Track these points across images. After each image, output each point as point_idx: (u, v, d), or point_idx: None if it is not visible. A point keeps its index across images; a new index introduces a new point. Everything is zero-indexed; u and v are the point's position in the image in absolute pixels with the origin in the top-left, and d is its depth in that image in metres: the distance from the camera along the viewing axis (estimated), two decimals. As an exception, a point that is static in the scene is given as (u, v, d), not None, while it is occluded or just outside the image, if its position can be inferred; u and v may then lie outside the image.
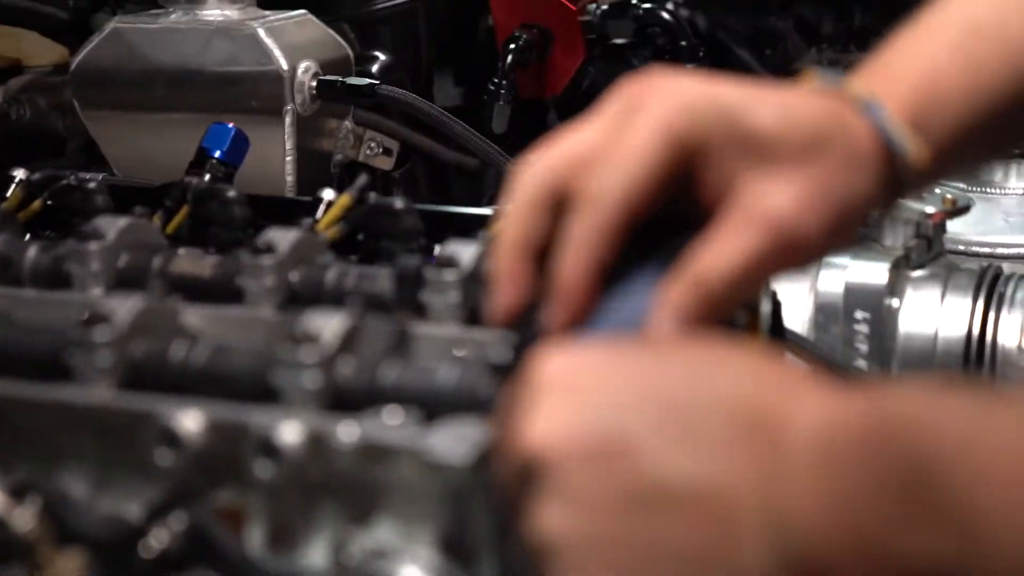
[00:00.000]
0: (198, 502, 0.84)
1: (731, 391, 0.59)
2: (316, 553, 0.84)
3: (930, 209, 1.38)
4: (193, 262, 1.21)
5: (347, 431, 0.79)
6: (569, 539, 0.61)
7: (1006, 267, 1.31)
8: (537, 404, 0.65)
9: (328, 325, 0.85)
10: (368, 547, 0.80)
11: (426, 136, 2.04)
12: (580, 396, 0.64)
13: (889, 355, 1.26)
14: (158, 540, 0.82)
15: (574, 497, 0.61)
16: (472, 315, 1.06)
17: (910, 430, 0.52)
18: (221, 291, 1.15)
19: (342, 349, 0.85)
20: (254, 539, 0.85)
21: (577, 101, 2.14)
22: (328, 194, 1.40)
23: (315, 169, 1.88)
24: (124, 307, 0.91)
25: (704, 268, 0.72)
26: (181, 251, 1.24)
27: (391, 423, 0.80)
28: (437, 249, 1.09)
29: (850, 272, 1.31)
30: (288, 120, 1.80)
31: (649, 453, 0.59)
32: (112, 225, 1.08)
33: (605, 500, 0.60)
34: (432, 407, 0.83)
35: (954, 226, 1.38)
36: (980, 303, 1.17)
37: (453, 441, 0.77)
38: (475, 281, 1.06)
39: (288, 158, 1.84)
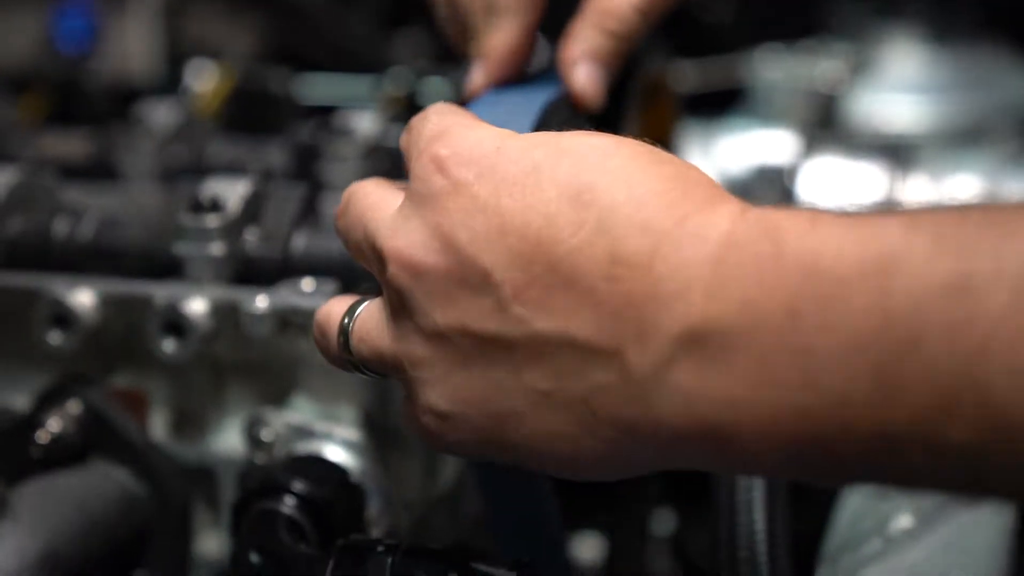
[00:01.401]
0: (94, 386, 0.77)
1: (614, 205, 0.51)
2: (227, 438, 0.78)
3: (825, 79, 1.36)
4: (61, 142, 1.13)
5: (260, 300, 0.73)
6: (422, 362, 0.55)
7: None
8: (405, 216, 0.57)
9: (232, 190, 0.78)
10: (286, 424, 0.75)
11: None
12: (448, 204, 0.54)
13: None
14: (51, 428, 0.75)
15: (431, 324, 0.54)
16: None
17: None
18: (96, 171, 1.07)
19: (247, 217, 0.79)
20: (157, 425, 0.79)
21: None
22: (198, 71, 1.33)
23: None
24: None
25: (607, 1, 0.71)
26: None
27: (306, 291, 0.74)
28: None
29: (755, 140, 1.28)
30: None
31: (501, 284, 0.53)
32: None
33: (462, 332, 0.54)
34: (346, 276, 0.78)
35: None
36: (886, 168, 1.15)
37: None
38: (374, 152, 1.00)
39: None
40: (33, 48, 1.53)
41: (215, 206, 0.77)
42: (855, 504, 0.82)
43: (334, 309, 0.62)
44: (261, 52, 1.72)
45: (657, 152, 0.53)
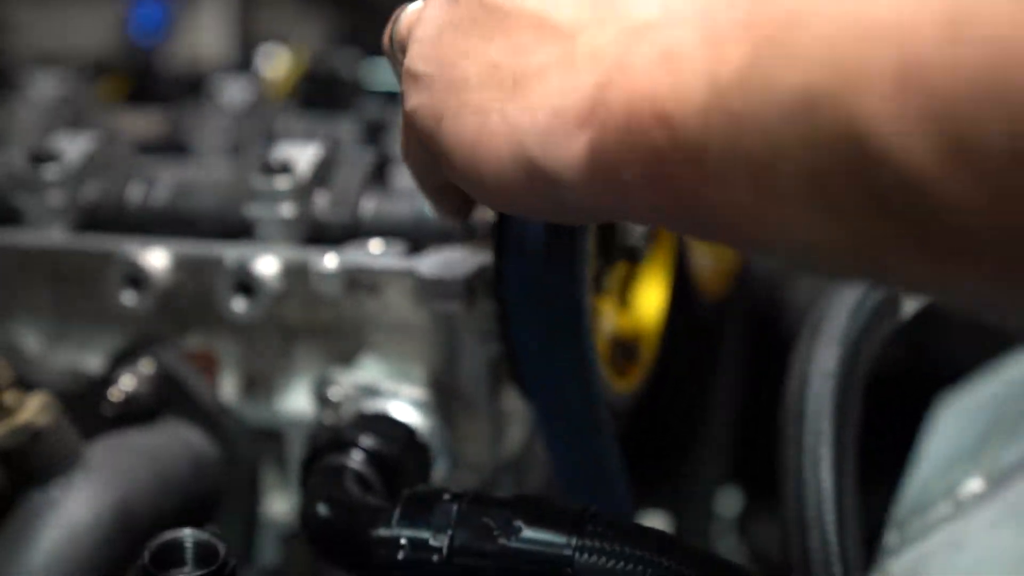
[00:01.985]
0: (166, 347, 0.78)
1: None
2: (296, 399, 0.79)
3: None
4: (137, 119, 1.15)
5: (329, 260, 0.74)
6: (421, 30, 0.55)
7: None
8: None
9: (302, 154, 0.79)
10: (354, 384, 0.75)
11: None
12: None
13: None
14: (124, 387, 0.76)
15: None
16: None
17: None
18: (170, 147, 1.08)
19: (317, 180, 0.80)
20: (228, 386, 0.80)
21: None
22: (269, 55, 1.34)
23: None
24: (74, 145, 0.84)
25: None
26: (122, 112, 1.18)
27: (374, 252, 0.75)
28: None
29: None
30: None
31: None
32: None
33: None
34: (415, 239, 0.78)
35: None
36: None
37: (442, 266, 0.72)
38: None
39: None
40: (109, 36, 1.55)
41: (285, 168, 0.77)
42: (926, 471, 0.82)
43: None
44: (330, 39, 1.73)
45: None
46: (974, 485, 0.72)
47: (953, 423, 0.89)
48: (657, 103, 0.45)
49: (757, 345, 1.11)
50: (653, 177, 0.46)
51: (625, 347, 0.77)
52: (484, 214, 0.77)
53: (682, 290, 0.88)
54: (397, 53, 0.60)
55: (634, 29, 0.48)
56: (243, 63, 1.42)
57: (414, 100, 0.56)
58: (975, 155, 0.36)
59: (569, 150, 0.49)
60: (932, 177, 0.37)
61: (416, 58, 0.56)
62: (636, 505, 1.11)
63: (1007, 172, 0.36)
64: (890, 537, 0.74)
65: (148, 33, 1.62)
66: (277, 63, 1.28)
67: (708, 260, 0.95)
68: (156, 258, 0.76)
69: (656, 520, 1.11)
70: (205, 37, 1.72)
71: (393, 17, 0.61)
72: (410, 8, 0.60)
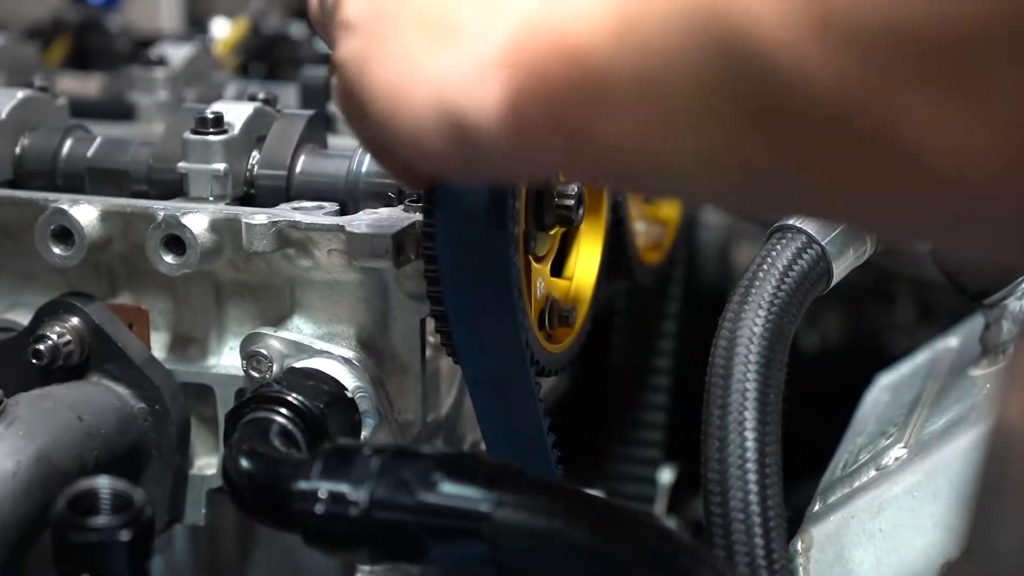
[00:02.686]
0: (94, 301, 0.78)
1: None
2: (227, 357, 0.78)
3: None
4: (77, 81, 1.14)
5: (259, 216, 0.73)
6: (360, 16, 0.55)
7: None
8: None
9: (237, 111, 0.79)
10: (283, 342, 0.75)
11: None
12: None
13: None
14: (50, 339, 0.75)
15: None
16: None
17: None
18: (111, 109, 1.08)
19: (252, 138, 0.79)
20: (158, 344, 0.79)
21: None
22: (219, 24, 1.34)
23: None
24: (4, 99, 0.83)
25: None
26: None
27: (305, 210, 0.75)
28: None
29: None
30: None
31: None
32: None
33: None
34: (349, 200, 0.78)
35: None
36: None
37: (371, 224, 0.72)
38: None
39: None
40: (62, 2, 1.54)
41: (218, 123, 0.77)
42: (854, 443, 0.82)
43: None
44: (284, 13, 1.73)
45: None
46: (897, 453, 0.72)
47: (884, 398, 0.90)
48: (567, 38, 0.46)
49: (700, 312, 1.11)
50: (559, 118, 0.47)
51: (559, 312, 0.77)
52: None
53: (618, 257, 0.88)
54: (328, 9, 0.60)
55: None
56: (194, 34, 1.41)
57: (344, 48, 0.56)
58: (840, 27, 0.37)
59: (486, 96, 0.49)
60: (797, 53, 0.38)
61: (351, 4, 0.56)
62: (571, 477, 1.12)
63: (872, 42, 0.36)
64: (815, 505, 0.74)
65: (101, 6, 1.60)
66: (224, 29, 1.27)
67: (646, 227, 0.95)
68: (84, 212, 0.76)
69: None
70: (156, 12, 1.71)
71: None
72: None
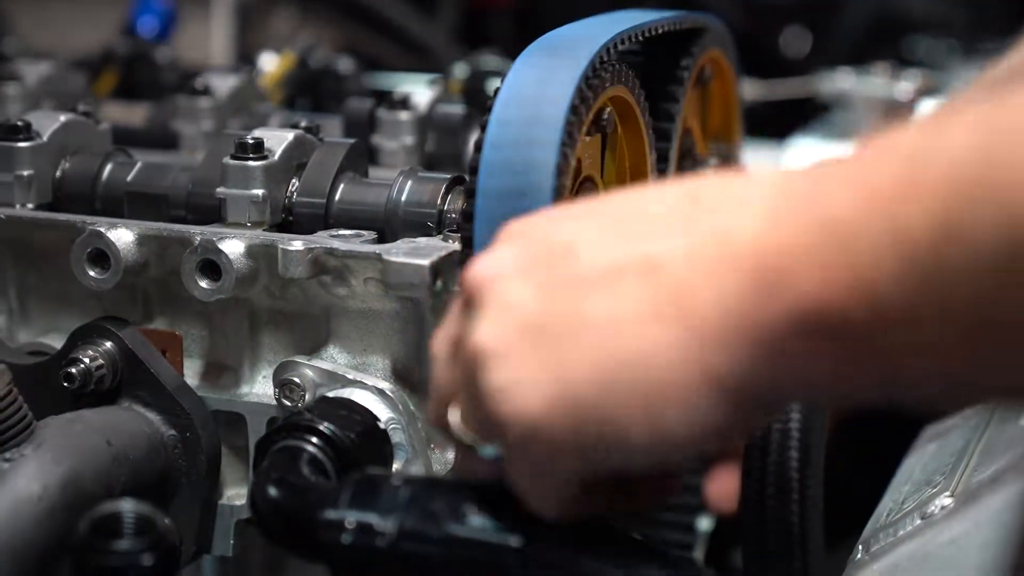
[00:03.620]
0: (128, 326, 0.77)
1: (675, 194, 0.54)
2: (259, 386, 0.77)
3: (903, 90, 1.34)
4: (123, 110, 1.14)
5: (296, 241, 0.72)
6: (501, 340, 0.53)
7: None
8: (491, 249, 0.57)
9: (278, 138, 0.78)
10: (317, 371, 0.74)
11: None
12: (528, 235, 0.57)
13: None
14: (83, 362, 0.75)
15: (507, 301, 0.54)
16: (426, 159, 1.00)
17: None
18: (155, 138, 1.08)
19: (292, 165, 0.79)
20: (191, 370, 0.78)
21: (531, 11, 2.10)
22: (267, 58, 1.34)
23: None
24: (48, 122, 0.83)
25: None
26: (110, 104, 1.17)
27: (344, 234, 0.74)
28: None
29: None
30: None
31: (584, 246, 0.53)
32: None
33: (536, 294, 0.53)
34: (387, 229, 0.77)
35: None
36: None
37: (408, 252, 0.71)
38: (429, 123, 1.00)
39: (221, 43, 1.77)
40: (113, 36, 1.55)
41: (258, 149, 0.76)
42: (899, 492, 0.80)
43: None
44: (334, 48, 1.73)
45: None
46: (943, 502, 0.70)
47: (931, 447, 0.87)
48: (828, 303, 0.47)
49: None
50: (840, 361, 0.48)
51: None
52: (453, 205, 0.76)
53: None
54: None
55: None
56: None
57: (498, 376, 0.53)
58: None
59: (752, 368, 0.50)
60: None
61: (485, 331, 0.54)
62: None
63: None
64: (856, 553, 0.72)
65: (151, 32, 1.61)
66: (272, 63, 1.27)
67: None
68: (121, 235, 0.75)
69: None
70: (208, 42, 1.72)
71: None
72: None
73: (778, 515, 0.64)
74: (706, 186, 0.53)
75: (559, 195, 0.66)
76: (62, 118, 0.85)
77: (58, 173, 0.83)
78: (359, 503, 0.59)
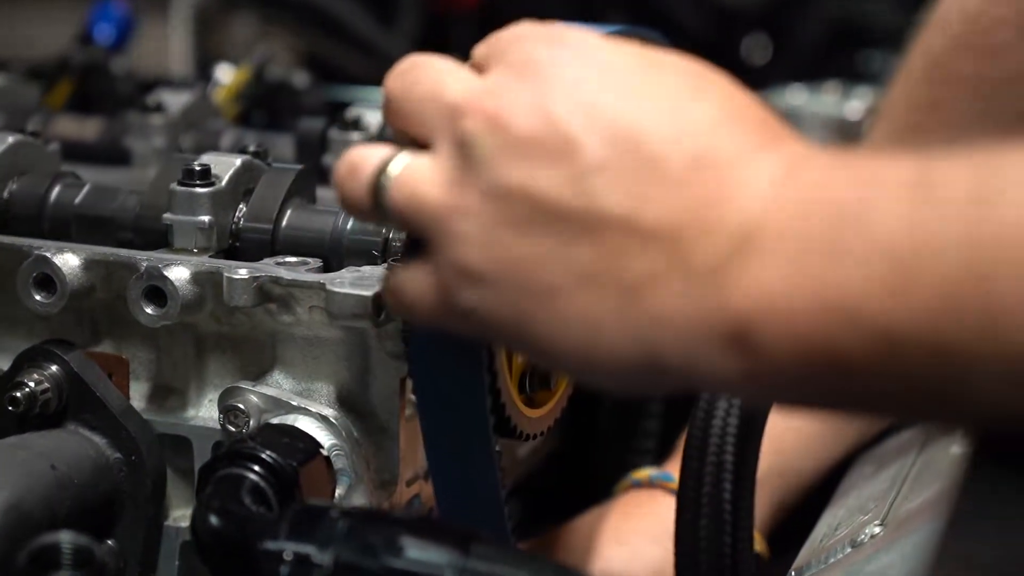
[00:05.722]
0: (74, 349, 0.77)
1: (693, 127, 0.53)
2: (205, 410, 0.78)
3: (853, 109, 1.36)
4: (75, 124, 1.14)
5: (242, 269, 0.73)
6: (483, 265, 0.55)
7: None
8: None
9: (225, 164, 0.79)
10: (261, 397, 0.75)
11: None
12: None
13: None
14: (27, 386, 0.75)
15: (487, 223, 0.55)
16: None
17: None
18: (107, 154, 1.08)
19: (239, 191, 0.79)
20: (137, 394, 0.79)
21: (491, 16, 2.11)
22: (223, 70, 1.34)
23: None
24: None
25: None
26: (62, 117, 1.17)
27: (290, 261, 0.75)
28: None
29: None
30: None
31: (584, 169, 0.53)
32: None
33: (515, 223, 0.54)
34: (334, 256, 0.78)
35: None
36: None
37: (352, 283, 0.72)
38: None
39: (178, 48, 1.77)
40: (69, 42, 1.55)
41: (205, 176, 0.77)
42: (833, 519, 0.82)
43: (372, 151, 0.60)
44: (291, 62, 1.73)
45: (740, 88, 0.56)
46: (873, 530, 0.72)
47: (867, 470, 0.89)
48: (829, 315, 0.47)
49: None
50: (840, 374, 0.48)
51: (539, 376, 0.76)
52: (399, 233, 0.77)
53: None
54: (389, 213, 0.59)
55: (745, 238, 0.49)
56: (200, 78, 1.42)
57: (474, 298, 0.55)
58: None
59: (722, 365, 0.50)
60: None
61: (473, 257, 0.55)
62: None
63: None
64: (790, 578, 0.74)
65: (108, 39, 1.61)
66: (227, 75, 1.28)
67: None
68: (67, 260, 0.75)
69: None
70: (166, 54, 1.72)
71: (376, 170, 0.59)
72: (400, 172, 0.58)
73: (712, 546, 0.65)
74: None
75: None
76: (10, 139, 0.85)
77: (5, 195, 0.84)
78: (297, 534, 0.60)
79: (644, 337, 0.51)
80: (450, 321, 0.58)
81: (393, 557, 0.58)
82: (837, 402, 0.51)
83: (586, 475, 1.11)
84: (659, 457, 1.09)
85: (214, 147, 1.04)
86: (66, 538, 0.58)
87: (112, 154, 1.07)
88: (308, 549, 0.59)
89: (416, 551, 0.59)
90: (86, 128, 1.12)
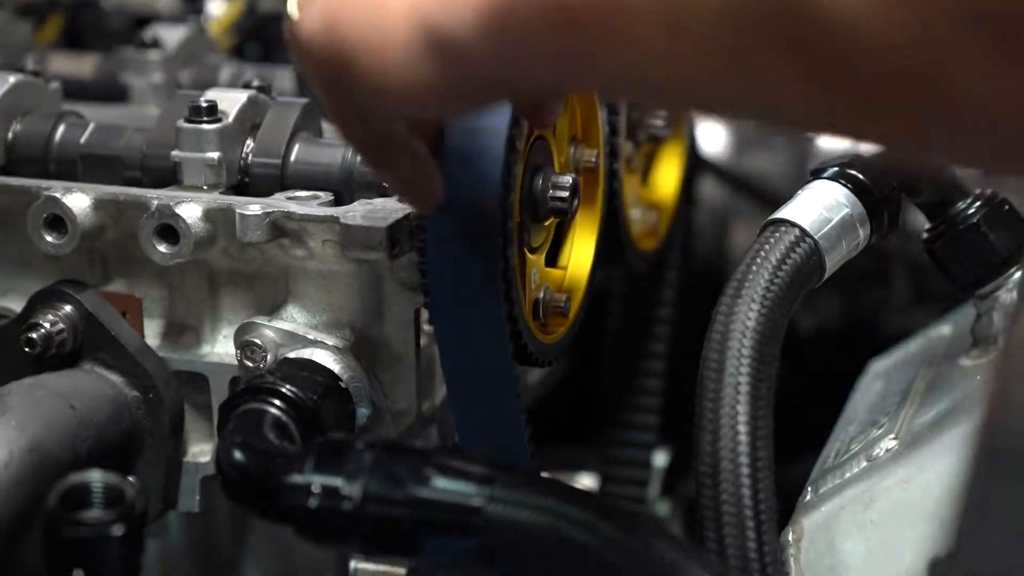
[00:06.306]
0: (87, 289, 0.77)
1: None
2: (220, 346, 0.78)
3: None
4: (71, 62, 1.13)
5: (254, 205, 0.73)
6: None
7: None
8: None
9: (231, 99, 0.78)
10: (277, 331, 0.75)
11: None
12: None
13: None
14: (43, 327, 0.75)
15: None
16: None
17: None
18: (105, 92, 1.07)
19: (246, 126, 0.79)
20: (151, 332, 0.79)
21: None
22: (215, 2, 1.33)
23: None
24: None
25: None
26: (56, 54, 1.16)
27: (301, 196, 0.75)
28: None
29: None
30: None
31: None
32: None
33: None
34: (344, 190, 0.78)
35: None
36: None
37: (366, 215, 0.72)
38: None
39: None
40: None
41: (212, 112, 0.77)
42: (846, 433, 0.82)
43: None
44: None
45: None
46: (888, 444, 0.72)
47: (876, 386, 0.90)
48: None
49: (696, 295, 1.11)
50: (557, 23, 0.47)
51: (553, 303, 0.76)
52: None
53: (614, 244, 0.88)
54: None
55: None
56: (191, 12, 1.40)
57: (309, 18, 0.55)
58: None
59: (467, 5, 0.49)
60: (860, 16, 0.39)
61: None
62: (566, 461, 1.12)
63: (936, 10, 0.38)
64: (806, 495, 0.75)
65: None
66: (220, 12, 1.27)
67: (642, 213, 0.95)
68: (77, 200, 0.75)
69: (583, 481, 1.12)
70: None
71: None
72: None
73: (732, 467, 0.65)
74: None
75: (513, 154, 0.67)
76: (11, 79, 0.84)
77: (9, 135, 0.83)
78: (324, 467, 0.61)
79: (415, 6, 0.51)
80: (314, 66, 0.57)
81: (421, 487, 0.59)
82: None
83: (592, 399, 1.12)
84: (665, 379, 1.10)
85: (212, 82, 1.03)
86: (96, 477, 0.59)
87: (110, 91, 1.06)
88: (336, 481, 0.60)
89: (444, 481, 0.59)
90: (82, 65, 1.11)
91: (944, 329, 0.92)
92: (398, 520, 0.60)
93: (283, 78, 1.04)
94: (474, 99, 0.57)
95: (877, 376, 0.92)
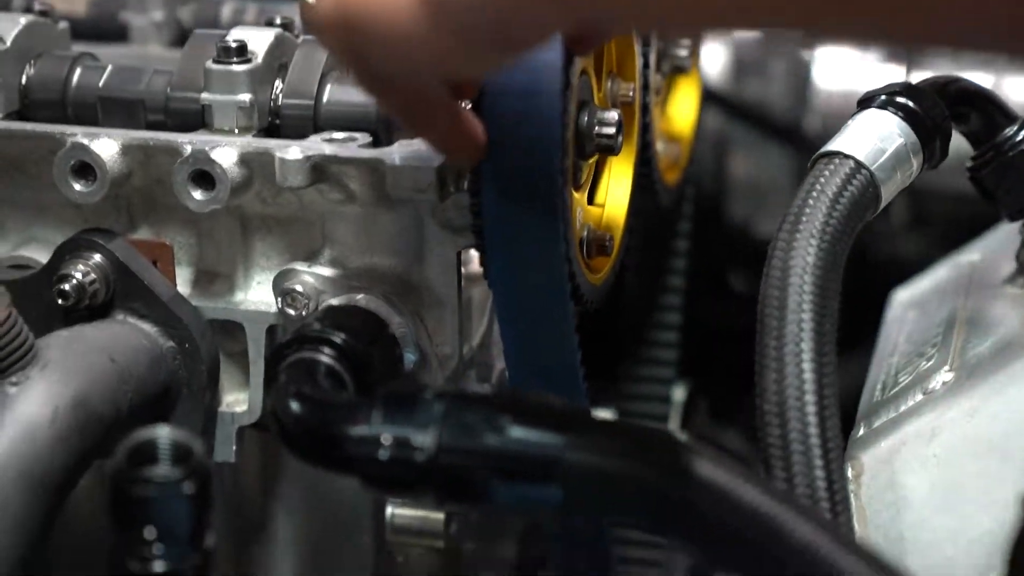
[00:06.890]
0: (116, 237, 0.75)
1: None
2: (255, 293, 0.76)
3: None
4: None
5: (293, 149, 0.71)
6: None
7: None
8: None
9: (259, 38, 0.76)
10: (318, 278, 0.73)
11: None
12: None
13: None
14: (75, 277, 0.73)
15: None
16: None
17: None
18: (102, 30, 1.04)
19: (275, 66, 0.76)
20: (182, 280, 0.77)
21: None
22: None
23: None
24: (10, 23, 0.80)
25: None
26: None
27: (339, 139, 0.72)
28: None
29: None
30: None
31: None
32: None
33: None
34: (377, 130, 0.76)
35: None
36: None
37: (412, 156, 0.70)
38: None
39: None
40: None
41: (242, 52, 0.74)
42: (889, 365, 0.82)
43: None
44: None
45: None
46: (944, 377, 0.72)
47: (910, 315, 0.89)
48: None
49: (699, 224, 1.10)
50: None
51: (597, 241, 0.75)
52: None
53: (645, 181, 0.87)
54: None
55: None
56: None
57: (321, 4, 0.56)
58: None
59: None
60: None
61: None
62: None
63: None
64: (859, 429, 0.74)
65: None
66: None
67: (664, 146, 0.94)
68: (105, 146, 0.73)
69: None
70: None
71: None
72: None
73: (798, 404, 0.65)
74: None
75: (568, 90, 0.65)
76: (22, 20, 0.81)
77: (23, 79, 0.80)
78: (391, 418, 0.59)
79: None
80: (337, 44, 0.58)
81: (497, 436, 0.58)
82: None
83: (610, 335, 1.11)
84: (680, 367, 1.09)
85: (214, 19, 1.00)
86: (163, 433, 0.57)
87: (108, 30, 1.02)
88: (407, 432, 0.59)
89: (520, 430, 0.58)
90: (74, 2, 1.07)
91: (973, 255, 0.91)
92: (473, 471, 0.58)
93: (291, 11, 1.01)
94: (484, 56, 0.57)
95: (908, 306, 0.91)
